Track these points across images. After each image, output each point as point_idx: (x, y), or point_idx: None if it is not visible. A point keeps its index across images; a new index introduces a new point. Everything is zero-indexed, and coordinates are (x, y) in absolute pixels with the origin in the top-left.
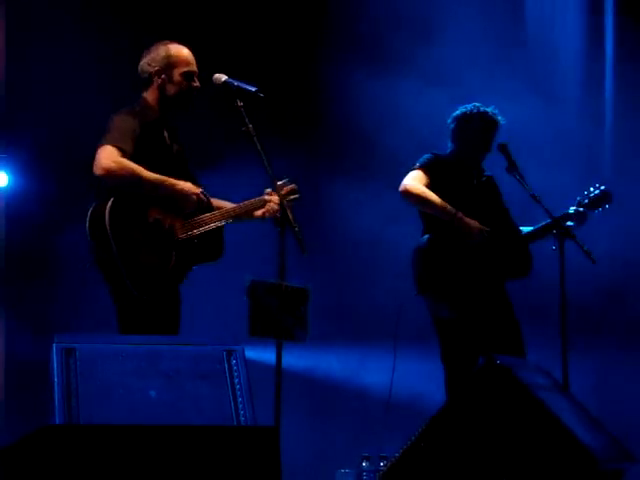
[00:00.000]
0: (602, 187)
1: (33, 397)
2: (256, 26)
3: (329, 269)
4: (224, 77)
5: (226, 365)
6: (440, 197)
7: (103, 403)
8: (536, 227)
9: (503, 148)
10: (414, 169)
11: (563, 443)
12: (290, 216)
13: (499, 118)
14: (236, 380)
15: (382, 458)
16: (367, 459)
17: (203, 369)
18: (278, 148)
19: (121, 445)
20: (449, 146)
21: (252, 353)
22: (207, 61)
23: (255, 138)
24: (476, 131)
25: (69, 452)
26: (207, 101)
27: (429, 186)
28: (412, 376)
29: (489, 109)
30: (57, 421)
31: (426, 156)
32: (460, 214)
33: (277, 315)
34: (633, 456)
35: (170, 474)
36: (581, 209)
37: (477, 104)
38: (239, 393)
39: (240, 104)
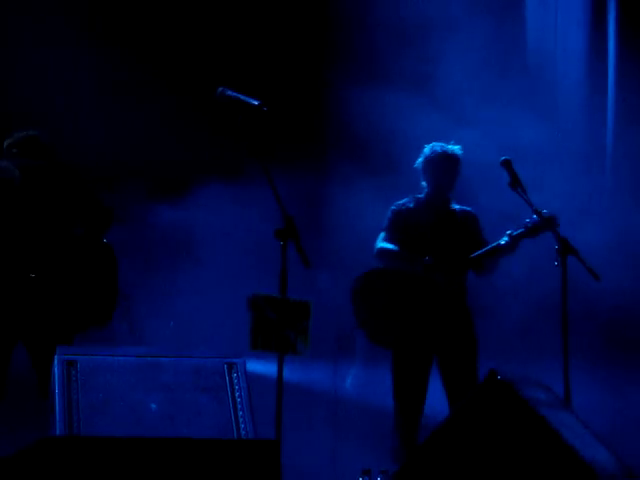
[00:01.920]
0: (544, 211)
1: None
2: (260, 41)
3: (332, 283)
4: (227, 91)
5: (227, 378)
6: (407, 244)
7: (104, 415)
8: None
9: (506, 164)
10: (381, 230)
11: (564, 459)
12: (293, 229)
13: (446, 150)
14: (237, 393)
15: (382, 472)
16: (367, 473)
17: (204, 382)
18: (282, 162)
19: (121, 457)
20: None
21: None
22: (210, 75)
23: (259, 152)
24: (428, 169)
25: (69, 463)
26: (210, 115)
27: (394, 241)
28: None
29: (438, 145)
30: (57, 432)
31: (388, 211)
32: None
33: (278, 329)
34: (634, 472)
35: None
36: (507, 240)
37: (433, 144)
38: (240, 406)
39: (243, 119)
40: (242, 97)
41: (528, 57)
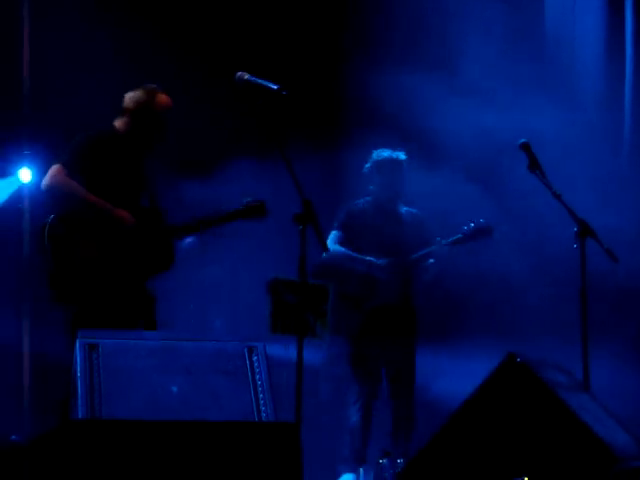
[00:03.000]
0: (481, 220)
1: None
2: (278, 25)
3: None
4: (246, 75)
5: (247, 361)
6: (356, 244)
7: (125, 398)
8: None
9: (525, 147)
10: (333, 229)
11: (583, 441)
12: (312, 214)
13: (393, 155)
14: (257, 376)
15: (403, 454)
16: (388, 455)
17: (224, 365)
18: (301, 145)
19: (143, 440)
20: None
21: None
22: (229, 60)
23: (277, 135)
24: (376, 174)
25: (91, 447)
26: (230, 99)
27: (345, 240)
28: (435, 373)
29: (386, 151)
30: (80, 416)
31: (341, 212)
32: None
33: (298, 312)
34: None
35: (191, 469)
36: (437, 247)
37: (380, 150)
38: (260, 389)
39: (262, 102)
40: (260, 81)
41: (546, 42)
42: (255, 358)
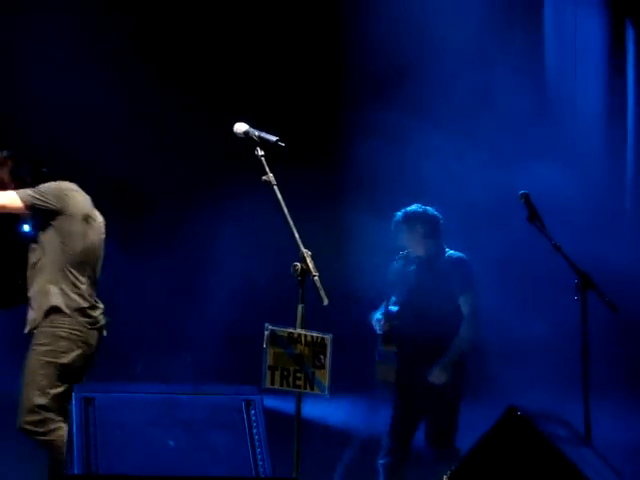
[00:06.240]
0: None
1: None
2: (277, 73)
3: (349, 318)
4: (245, 126)
5: (245, 415)
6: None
7: (122, 453)
8: None
9: (524, 198)
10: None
11: None
12: (310, 265)
13: (403, 214)
14: (255, 430)
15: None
16: None
17: (222, 419)
18: (300, 192)
19: None
20: None
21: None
22: (228, 109)
23: (276, 187)
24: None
25: None
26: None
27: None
28: None
29: (400, 212)
30: (75, 471)
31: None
32: None
33: (296, 365)
34: None
35: None
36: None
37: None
38: (258, 443)
39: (261, 154)
40: (258, 133)
41: (548, 100)
42: (252, 412)
